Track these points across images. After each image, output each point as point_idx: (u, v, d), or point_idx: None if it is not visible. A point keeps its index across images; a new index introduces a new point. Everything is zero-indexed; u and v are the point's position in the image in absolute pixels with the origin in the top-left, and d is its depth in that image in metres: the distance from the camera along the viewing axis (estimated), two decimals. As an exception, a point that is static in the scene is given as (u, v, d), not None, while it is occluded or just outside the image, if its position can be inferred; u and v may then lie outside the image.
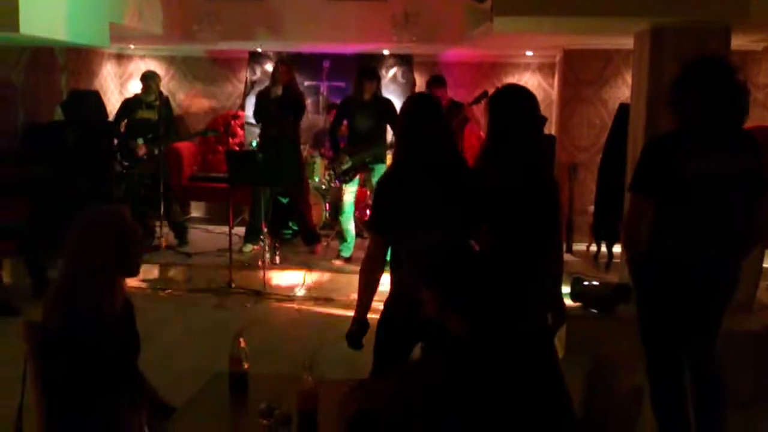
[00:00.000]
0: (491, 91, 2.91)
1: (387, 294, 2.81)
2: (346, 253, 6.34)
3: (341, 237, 6.43)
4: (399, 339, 2.73)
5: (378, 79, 6.25)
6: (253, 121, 7.91)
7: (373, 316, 2.78)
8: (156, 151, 6.54)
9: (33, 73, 6.88)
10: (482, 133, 7.02)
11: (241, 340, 2.17)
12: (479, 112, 6.41)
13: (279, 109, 6.31)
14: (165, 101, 6.82)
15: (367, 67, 6.39)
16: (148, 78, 6.75)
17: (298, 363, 4.29)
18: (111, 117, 7.23)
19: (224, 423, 2.16)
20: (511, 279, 2.05)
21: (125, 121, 6.71)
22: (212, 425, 2.11)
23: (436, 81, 6.83)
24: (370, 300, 2.78)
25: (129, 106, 6.78)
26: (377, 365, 2.80)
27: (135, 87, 8.70)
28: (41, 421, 2.05)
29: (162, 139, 6.55)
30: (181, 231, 6.87)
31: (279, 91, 6.29)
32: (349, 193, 6.30)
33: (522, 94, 2.77)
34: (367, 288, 2.78)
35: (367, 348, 2.79)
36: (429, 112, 2.73)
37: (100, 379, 2.06)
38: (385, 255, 2.77)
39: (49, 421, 2.05)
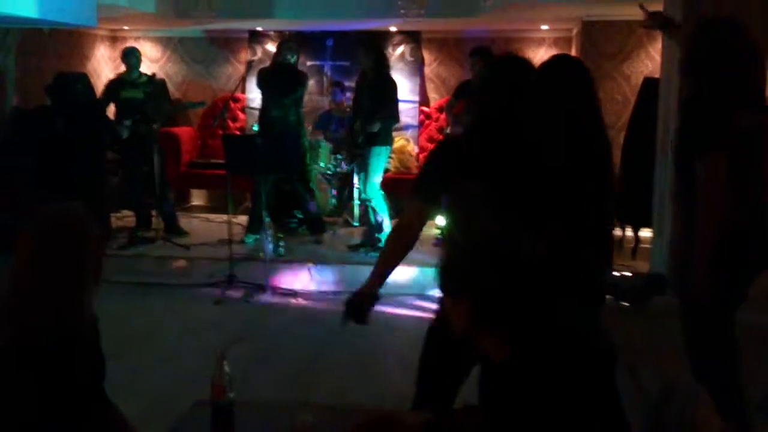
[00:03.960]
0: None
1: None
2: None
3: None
4: (450, 355, 2.24)
5: (374, 52, 5.83)
6: (253, 105, 7.55)
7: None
8: (143, 133, 6.18)
9: (21, 57, 6.53)
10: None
11: (225, 363, 1.80)
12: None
13: (281, 84, 5.95)
14: (150, 79, 6.46)
15: (361, 42, 6.03)
16: (127, 55, 6.44)
17: (301, 370, 3.96)
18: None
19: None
20: (569, 287, 1.67)
21: (114, 103, 6.41)
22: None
23: (479, 52, 6.23)
24: (388, 270, 2.30)
25: (112, 86, 6.48)
26: (421, 388, 2.36)
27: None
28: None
29: (148, 119, 6.18)
30: (170, 220, 6.51)
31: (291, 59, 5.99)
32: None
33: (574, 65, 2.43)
34: (390, 254, 2.33)
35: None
36: (511, 77, 2.26)
37: (55, 414, 1.70)
38: (419, 225, 2.31)
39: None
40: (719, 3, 4.16)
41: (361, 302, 2.26)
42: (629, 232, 6.00)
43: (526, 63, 2.30)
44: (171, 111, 6.80)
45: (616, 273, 4.29)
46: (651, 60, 6.77)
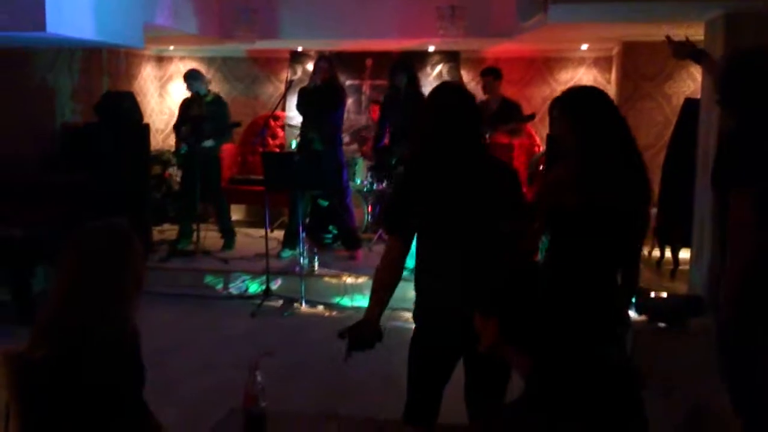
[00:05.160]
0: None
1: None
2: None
3: None
4: (435, 358, 2.39)
5: (406, 72, 5.89)
6: (293, 123, 7.68)
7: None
8: (199, 150, 6.38)
9: (71, 75, 6.76)
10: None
11: (257, 373, 1.85)
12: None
13: (317, 104, 6.03)
14: (217, 98, 6.68)
15: (396, 62, 6.09)
16: (188, 78, 6.62)
17: (334, 383, 3.99)
18: (147, 119, 7.11)
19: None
20: (589, 304, 1.68)
21: (185, 120, 6.59)
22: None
23: (489, 73, 6.35)
24: (385, 302, 2.41)
25: (184, 105, 6.69)
26: (413, 394, 2.45)
27: (175, 89, 8.58)
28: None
29: (204, 137, 6.37)
30: (229, 235, 6.67)
31: (318, 81, 6.05)
32: None
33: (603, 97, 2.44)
34: (381, 290, 2.42)
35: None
36: (453, 102, 2.35)
37: (95, 420, 1.77)
38: (404, 259, 2.43)
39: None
40: (762, 31, 4.11)
41: (364, 333, 2.35)
42: (668, 253, 5.92)
43: (459, 88, 2.44)
44: (229, 130, 6.91)
45: (653, 294, 4.24)
46: (692, 80, 6.70)
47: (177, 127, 6.61)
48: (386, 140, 6.22)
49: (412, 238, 2.42)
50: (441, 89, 2.44)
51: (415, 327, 2.47)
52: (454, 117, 2.29)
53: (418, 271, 2.42)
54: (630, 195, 2.30)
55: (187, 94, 8.16)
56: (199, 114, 6.43)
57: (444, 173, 2.29)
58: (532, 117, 6.53)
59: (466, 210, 2.26)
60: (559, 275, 2.15)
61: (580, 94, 2.48)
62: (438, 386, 2.42)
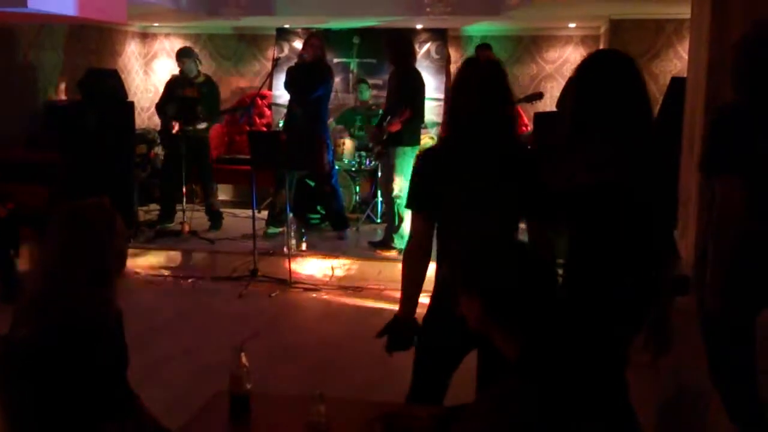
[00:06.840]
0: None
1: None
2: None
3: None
4: (443, 346, 2.27)
5: (390, 48, 5.83)
6: (280, 101, 7.62)
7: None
8: (189, 130, 6.32)
9: (54, 52, 6.66)
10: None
11: (243, 356, 1.84)
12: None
13: (304, 82, 5.98)
14: (208, 79, 6.61)
15: (388, 36, 6.03)
16: (181, 55, 6.53)
17: (322, 364, 3.99)
18: (132, 97, 7.02)
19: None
20: (581, 290, 1.65)
21: (171, 100, 6.48)
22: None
23: (486, 47, 6.27)
24: (415, 294, 2.28)
25: (171, 85, 6.59)
26: (417, 380, 2.35)
27: (159, 66, 8.48)
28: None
29: (197, 119, 6.30)
30: (216, 217, 6.64)
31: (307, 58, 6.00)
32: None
33: (619, 63, 2.31)
34: (412, 277, 2.26)
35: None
36: (485, 80, 2.19)
37: (78, 402, 1.76)
38: (431, 239, 2.28)
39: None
40: (750, 6, 4.08)
41: (402, 331, 2.27)
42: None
43: (498, 65, 2.27)
44: (220, 113, 6.83)
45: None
46: (679, 59, 6.70)
47: (161, 107, 6.52)
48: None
49: (437, 218, 2.24)
50: (474, 65, 2.27)
51: (428, 310, 2.35)
52: (486, 97, 2.16)
53: (438, 257, 2.27)
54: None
55: (174, 71, 8.08)
56: (192, 96, 6.36)
57: (467, 158, 2.17)
58: (539, 96, 6.32)
59: (483, 199, 2.15)
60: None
61: (588, 60, 2.33)
62: (445, 373, 2.31)
